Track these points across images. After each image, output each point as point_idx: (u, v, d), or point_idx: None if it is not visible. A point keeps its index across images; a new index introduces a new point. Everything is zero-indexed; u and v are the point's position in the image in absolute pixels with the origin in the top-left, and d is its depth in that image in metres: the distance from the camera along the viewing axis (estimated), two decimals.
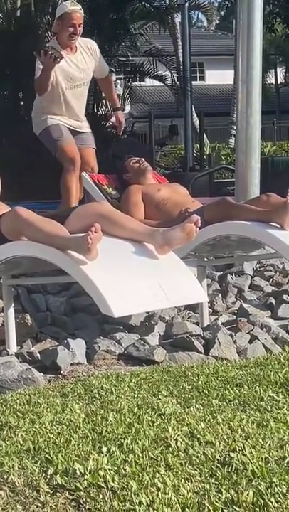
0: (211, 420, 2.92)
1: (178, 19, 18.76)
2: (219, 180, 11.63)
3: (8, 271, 4.51)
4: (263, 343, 4.16)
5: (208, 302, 5.31)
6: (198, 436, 2.74)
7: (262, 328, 4.35)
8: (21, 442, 2.74)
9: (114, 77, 18.89)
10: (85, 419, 2.98)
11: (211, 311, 5.36)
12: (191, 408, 3.07)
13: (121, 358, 4.00)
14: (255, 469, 2.42)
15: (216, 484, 2.36)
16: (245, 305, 4.74)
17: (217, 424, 2.86)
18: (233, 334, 4.23)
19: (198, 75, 38.76)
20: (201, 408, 3.07)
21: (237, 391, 3.27)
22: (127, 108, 23.02)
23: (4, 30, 16.25)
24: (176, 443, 2.67)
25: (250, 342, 4.19)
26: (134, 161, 5.66)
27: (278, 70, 40.89)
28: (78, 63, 6.73)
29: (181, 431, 2.79)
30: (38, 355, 4.05)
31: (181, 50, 20.11)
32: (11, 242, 4.32)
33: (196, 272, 5.01)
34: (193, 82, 21.56)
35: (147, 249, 4.36)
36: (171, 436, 2.72)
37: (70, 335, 4.83)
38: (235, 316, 4.98)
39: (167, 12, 18.75)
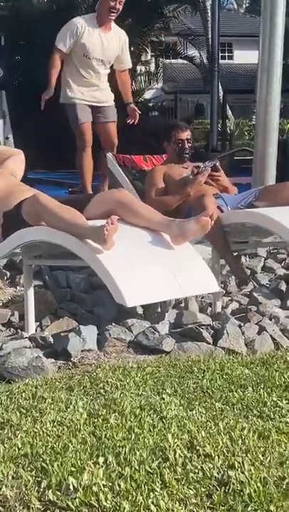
0: (212, 428, 2.61)
1: (209, 3, 18.09)
2: (239, 157, 11.17)
3: (29, 253, 4.23)
4: (271, 335, 3.83)
5: (222, 283, 5.01)
6: (198, 447, 2.43)
7: (270, 319, 4.02)
8: (20, 446, 2.47)
9: (148, 55, 18.59)
10: (87, 419, 2.69)
11: (224, 291, 5.06)
12: (194, 411, 2.76)
13: (131, 345, 3.70)
14: (253, 493, 2.11)
15: (210, 509, 2.07)
16: (255, 294, 4.39)
17: (218, 433, 2.55)
18: (242, 325, 3.90)
19: (226, 54, 37.84)
20: (204, 412, 2.76)
21: (241, 393, 2.95)
22: (160, 84, 22.63)
23: (46, 9, 15.72)
24: (174, 454, 2.37)
25: (259, 333, 3.86)
26: (182, 140, 5.24)
27: None
28: (105, 42, 6.70)
29: (181, 440, 2.49)
30: (51, 339, 3.76)
31: (210, 32, 19.58)
32: (31, 227, 4.05)
33: (210, 253, 4.72)
34: (222, 61, 21.06)
35: (163, 239, 4.05)
36: (170, 447, 2.42)
37: (88, 311, 4.59)
38: (245, 304, 4.67)
39: None
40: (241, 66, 38.14)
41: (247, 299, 4.89)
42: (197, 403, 2.86)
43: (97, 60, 6.73)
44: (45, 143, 13.61)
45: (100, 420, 2.67)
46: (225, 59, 34.82)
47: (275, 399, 2.87)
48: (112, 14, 6.61)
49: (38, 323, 4.42)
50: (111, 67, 7.00)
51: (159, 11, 15.96)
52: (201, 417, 2.72)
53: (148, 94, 19.14)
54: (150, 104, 16.16)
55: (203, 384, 3.06)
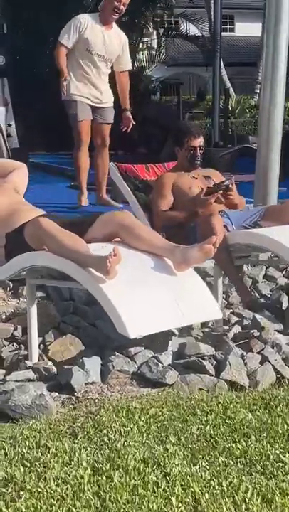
0: (216, 487, 2.57)
1: None
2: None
3: (32, 273, 4.15)
4: (273, 365, 3.79)
5: (223, 293, 4.97)
6: None
7: (273, 347, 3.97)
8: (23, 510, 2.43)
9: (154, 33, 18.29)
10: (91, 476, 2.65)
11: (226, 302, 5.02)
12: (197, 466, 2.72)
13: (134, 377, 3.66)
14: None
15: None
16: (258, 317, 4.33)
17: (222, 495, 2.51)
18: (245, 354, 3.86)
19: (228, 26, 37.38)
20: (207, 468, 2.72)
21: (244, 443, 2.90)
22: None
23: None
24: None
25: (261, 363, 3.82)
26: (194, 147, 5.10)
27: None
28: (107, 39, 6.84)
29: (185, 504, 2.46)
30: (55, 370, 3.72)
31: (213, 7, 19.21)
32: (34, 252, 3.97)
33: (212, 265, 4.68)
34: (223, 34, 20.76)
35: (165, 264, 3.98)
36: None
37: (91, 324, 4.54)
38: (246, 317, 4.62)
39: None
40: (243, 38, 37.73)
41: (248, 311, 4.86)
42: (201, 456, 2.81)
43: (99, 55, 6.84)
44: (45, 124, 13.43)
45: (104, 478, 2.63)
46: (226, 31, 34.43)
47: (278, 452, 2.83)
48: (116, 14, 6.78)
49: (41, 339, 4.38)
50: (111, 69, 7.05)
51: None
52: (205, 473, 2.68)
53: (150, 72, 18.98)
54: (152, 86, 15.88)
55: (207, 431, 3.01)
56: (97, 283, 3.69)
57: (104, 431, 3.02)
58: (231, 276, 4.61)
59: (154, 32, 18.34)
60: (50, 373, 3.69)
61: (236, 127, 17.56)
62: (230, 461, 2.77)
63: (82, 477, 2.63)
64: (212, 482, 2.61)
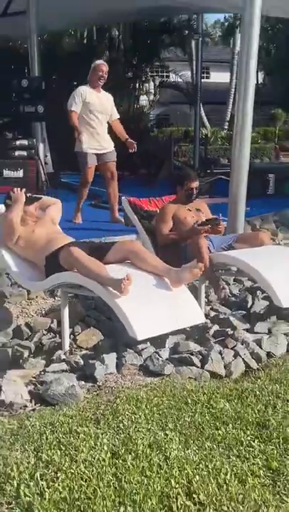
0: (204, 469, 2.47)
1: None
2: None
3: (64, 285, 4.04)
4: (243, 358, 3.70)
5: (205, 293, 4.86)
6: (194, 495, 2.31)
7: (242, 344, 3.87)
8: (60, 490, 2.33)
9: (151, 85, 17.99)
10: (110, 459, 2.55)
11: (207, 300, 4.91)
12: (189, 451, 2.62)
13: (141, 369, 3.56)
14: None
15: None
16: (231, 318, 4.23)
17: (208, 478, 2.42)
18: (222, 350, 3.76)
19: (205, 75, 36.69)
20: (197, 452, 2.62)
21: (224, 430, 2.80)
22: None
23: (72, 51, 14.94)
24: (177, 503, 2.25)
25: (235, 356, 3.72)
26: (192, 188, 4.98)
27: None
28: (100, 99, 6.92)
29: (181, 485, 2.37)
30: (82, 362, 3.62)
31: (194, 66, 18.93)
32: (67, 272, 3.87)
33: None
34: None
35: (165, 282, 3.89)
36: (173, 495, 2.30)
37: (107, 318, 4.45)
38: (221, 312, 4.57)
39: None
40: (216, 84, 37.22)
41: (223, 307, 4.76)
42: (192, 441, 2.71)
43: (98, 111, 6.89)
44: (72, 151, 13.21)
45: (120, 461, 2.53)
46: (204, 78, 33.97)
47: (249, 438, 2.73)
48: (101, 80, 6.87)
49: (71, 329, 4.29)
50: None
51: (156, 54, 15.41)
52: (195, 456, 2.58)
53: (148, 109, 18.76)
54: (150, 124, 15.67)
55: (196, 419, 2.90)
56: (113, 298, 3.59)
57: (120, 418, 2.92)
58: (212, 282, 4.54)
59: (152, 83, 18.16)
60: (79, 365, 3.59)
61: (210, 152, 17.36)
62: (214, 446, 2.68)
63: (104, 460, 2.54)
64: (201, 465, 2.51)
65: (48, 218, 4.55)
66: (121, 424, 2.86)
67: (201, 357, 3.66)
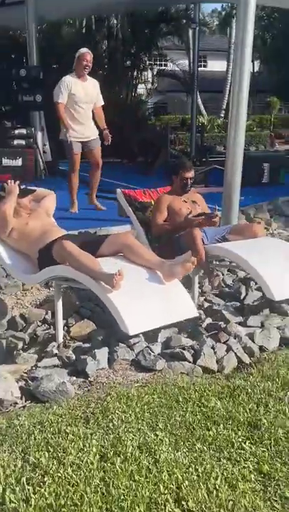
0: (193, 473, 2.33)
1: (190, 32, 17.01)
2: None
3: (57, 278, 3.88)
4: (235, 353, 3.54)
5: (199, 283, 4.71)
6: (183, 502, 2.17)
7: (235, 338, 3.71)
8: (46, 496, 2.19)
9: (149, 75, 17.60)
10: (98, 462, 2.41)
11: (200, 291, 4.76)
12: (179, 453, 2.48)
13: (133, 364, 3.41)
14: None
15: None
16: (224, 312, 4.06)
17: (198, 482, 2.28)
18: (215, 345, 3.61)
19: (202, 63, 36.07)
20: (187, 454, 2.48)
21: (215, 431, 2.65)
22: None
23: (72, 39, 14.52)
24: (165, 510, 2.12)
25: (227, 351, 3.57)
26: (186, 178, 4.74)
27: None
28: (85, 88, 6.73)
29: (170, 491, 2.23)
30: (74, 357, 3.47)
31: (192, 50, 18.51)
32: (59, 265, 3.70)
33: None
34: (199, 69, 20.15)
35: (157, 276, 3.71)
36: (161, 501, 2.16)
37: (101, 308, 4.27)
38: (215, 303, 4.41)
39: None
40: (214, 72, 36.62)
41: (217, 298, 4.61)
42: (182, 442, 2.57)
43: (83, 102, 6.75)
44: None
45: (109, 464, 2.39)
46: (201, 67, 33.41)
47: (240, 440, 2.58)
48: (86, 69, 6.70)
49: (65, 321, 4.14)
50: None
51: (154, 43, 15.05)
52: (185, 459, 2.43)
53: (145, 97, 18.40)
54: (148, 113, 15.36)
55: (186, 419, 2.75)
56: (105, 293, 3.43)
57: (110, 417, 2.77)
58: (206, 272, 4.38)
59: (150, 72, 17.77)
60: (71, 360, 3.43)
61: (207, 140, 17.07)
62: (205, 448, 2.53)
63: (92, 463, 2.39)
64: (190, 468, 2.37)
65: (43, 210, 4.37)
66: (111, 424, 2.71)
67: (193, 351, 3.51)
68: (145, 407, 2.87)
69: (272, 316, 4.08)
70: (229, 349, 3.57)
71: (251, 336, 3.74)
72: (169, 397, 2.98)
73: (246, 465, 2.41)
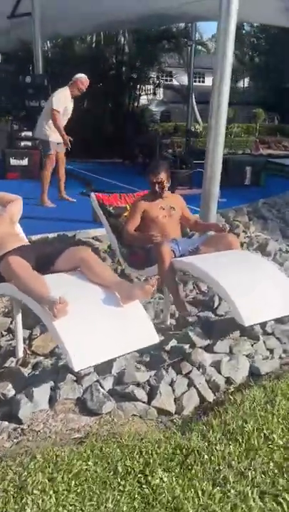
0: None
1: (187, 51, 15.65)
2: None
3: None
4: (197, 389, 2.49)
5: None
6: None
7: (199, 369, 2.65)
8: None
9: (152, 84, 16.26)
10: None
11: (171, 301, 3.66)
12: None
13: (78, 404, 2.37)
14: None
15: None
16: (190, 333, 2.97)
17: None
18: (175, 377, 2.55)
19: (200, 79, 34.25)
20: None
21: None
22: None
23: (81, 54, 13.15)
24: None
25: (188, 385, 2.52)
26: (158, 181, 3.58)
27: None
28: (71, 104, 6.12)
29: None
30: (10, 393, 2.42)
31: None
32: (6, 284, 2.65)
33: None
34: (197, 84, 18.93)
35: (115, 297, 2.64)
36: None
37: None
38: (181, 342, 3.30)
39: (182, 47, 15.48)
40: (209, 88, 34.65)
41: (190, 306, 3.54)
42: None
43: (67, 114, 6.11)
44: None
45: None
46: (199, 82, 31.76)
47: None
48: (80, 92, 6.12)
49: (30, 331, 3.12)
50: None
51: (156, 59, 13.72)
52: None
53: (152, 106, 17.11)
54: (149, 120, 14.10)
55: (120, 508, 1.72)
56: (50, 320, 2.37)
57: (24, 500, 1.74)
58: (172, 293, 3.27)
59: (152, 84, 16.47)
60: (7, 398, 2.39)
61: (202, 144, 15.80)
62: None
63: None
64: None
65: (7, 215, 3.30)
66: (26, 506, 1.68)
67: (149, 388, 2.46)
68: (73, 482, 1.83)
69: (242, 340, 2.98)
70: (191, 384, 2.52)
71: (218, 365, 2.68)
72: (106, 464, 1.93)
73: None
